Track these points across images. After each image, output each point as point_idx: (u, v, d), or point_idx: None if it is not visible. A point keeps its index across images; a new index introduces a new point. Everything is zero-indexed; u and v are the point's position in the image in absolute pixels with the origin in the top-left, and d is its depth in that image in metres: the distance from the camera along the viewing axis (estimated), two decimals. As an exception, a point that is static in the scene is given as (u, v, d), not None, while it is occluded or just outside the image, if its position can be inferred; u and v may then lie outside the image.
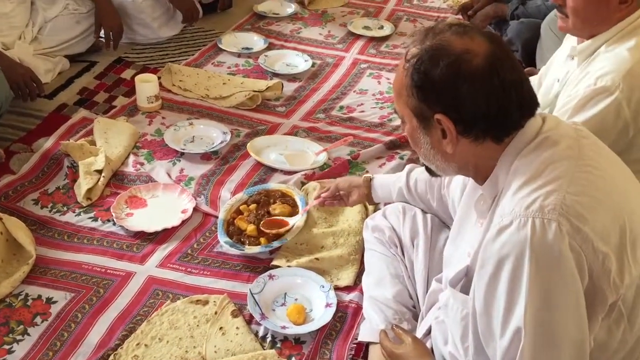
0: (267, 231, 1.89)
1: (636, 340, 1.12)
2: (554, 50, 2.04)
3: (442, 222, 1.71)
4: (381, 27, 3.33)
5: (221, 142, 2.34)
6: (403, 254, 1.68)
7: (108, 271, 1.81)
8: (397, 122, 2.56)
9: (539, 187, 1.05)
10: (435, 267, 1.61)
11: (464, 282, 1.24)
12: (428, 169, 1.28)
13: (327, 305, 1.72)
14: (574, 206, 1.03)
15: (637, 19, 1.65)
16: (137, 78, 2.55)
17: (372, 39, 3.23)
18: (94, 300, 1.72)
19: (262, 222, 1.92)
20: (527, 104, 1.13)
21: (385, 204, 1.83)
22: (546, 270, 1.01)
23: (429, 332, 1.46)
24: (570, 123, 1.24)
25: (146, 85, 2.50)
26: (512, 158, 1.12)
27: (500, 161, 1.13)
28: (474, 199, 1.26)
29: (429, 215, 1.71)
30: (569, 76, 1.77)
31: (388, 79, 2.88)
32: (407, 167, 1.76)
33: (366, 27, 3.32)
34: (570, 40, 1.84)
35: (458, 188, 1.46)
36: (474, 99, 1.08)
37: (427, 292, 1.56)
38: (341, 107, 2.66)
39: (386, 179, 1.81)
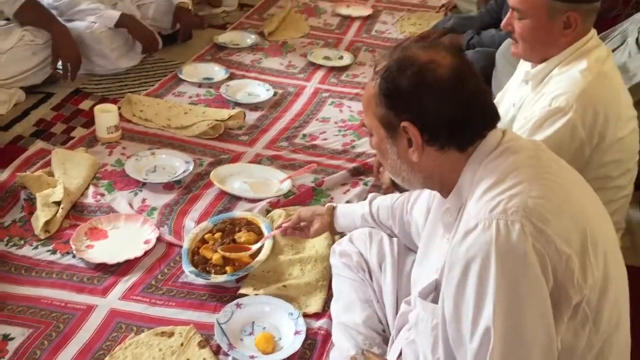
0: (227, 255, 1.86)
1: (602, 343, 1.13)
2: (509, 77, 2.09)
3: (407, 247, 1.72)
4: (341, 57, 3.38)
5: (184, 172, 2.32)
6: (371, 278, 1.68)
7: (68, 305, 1.75)
8: (360, 149, 2.58)
9: (502, 192, 1.08)
10: (403, 290, 1.61)
11: (433, 295, 1.25)
12: (394, 183, 1.30)
13: (296, 332, 1.69)
14: (537, 208, 1.06)
15: (586, 42, 1.70)
16: (96, 108, 2.51)
17: (332, 68, 3.26)
18: (54, 335, 1.65)
19: (222, 247, 1.88)
20: (490, 115, 1.18)
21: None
22: (512, 270, 1.03)
23: (400, 354, 1.45)
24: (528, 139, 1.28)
25: (106, 115, 2.46)
26: (476, 167, 1.16)
27: (464, 171, 1.17)
28: (440, 214, 1.28)
29: (395, 240, 1.71)
30: (523, 100, 1.82)
31: (349, 107, 2.91)
32: (370, 195, 1.77)
33: (326, 58, 3.36)
34: (524, 66, 1.89)
35: (422, 212, 1.48)
36: (438, 107, 1.12)
37: (396, 315, 1.56)
38: (304, 135, 2.67)
39: (349, 208, 1.82)
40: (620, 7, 3.23)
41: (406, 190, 1.35)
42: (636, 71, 2.29)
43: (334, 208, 1.81)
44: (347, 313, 1.63)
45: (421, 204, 1.53)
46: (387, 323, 1.61)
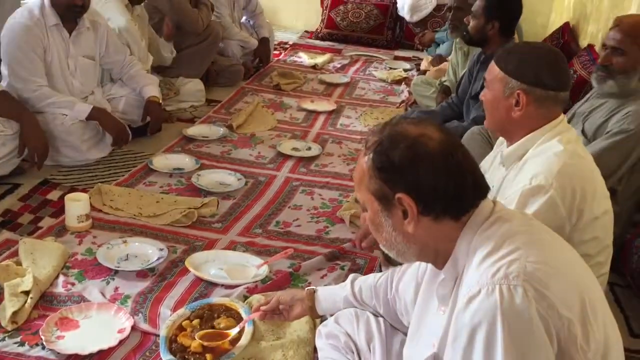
0: (207, 344, 1.79)
1: None
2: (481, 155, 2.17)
3: (393, 327, 1.70)
4: (309, 148, 3.45)
5: (158, 259, 2.26)
6: (360, 359, 1.63)
7: (38, 399, 1.64)
8: (334, 234, 2.59)
9: (501, 258, 1.10)
10: (394, 369, 1.57)
11: None
12: (387, 258, 1.31)
13: (283, 421, 1.62)
14: (535, 273, 1.08)
15: (556, 125, 1.78)
16: (67, 197, 2.46)
17: (301, 159, 3.32)
18: None
19: (200, 335, 1.80)
20: (481, 184, 1.22)
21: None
22: (519, 334, 1.03)
23: None
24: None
25: (77, 204, 2.42)
26: (471, 235, 1.18)
27: (459, 240, 1.19)
28: (434, 287, 1.28)
29: (381, 319, 1.68)
30: (502, 181, 1.87)
31: (320, 195, 2.95)
32: (351, 276, 1.76)
33: (295, 149, 3.43)
34: (500, 148, 1.96)
35: (411, 288, 1.48)
36: (431, 178, 1.15)
37: (388, 397, 1.51)
38: (277, 222, 2.67)
39: (330, 290, 1.79)
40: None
41: (399, 264, 1.36)
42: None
43: (314, 292, 1.77)
44: (337, 396, 1.57)
45: (407, 280, 1.53)
46: (380, 405, 1.55)
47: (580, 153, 1.78)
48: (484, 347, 1.04)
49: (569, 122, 2.54)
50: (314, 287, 1.79)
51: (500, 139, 2.00)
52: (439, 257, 1.23)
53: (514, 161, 1.82)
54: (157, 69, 3.82)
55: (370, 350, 1.63)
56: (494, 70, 1.79)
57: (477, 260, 1.13)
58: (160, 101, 3.34)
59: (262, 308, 1.79)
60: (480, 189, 1.21)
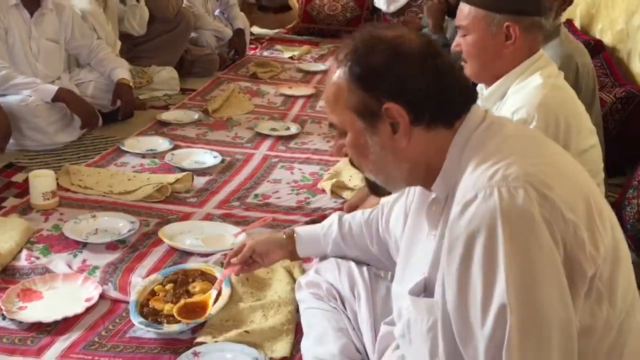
0: (186, 321, 1.65)
1: (620, 323, 1.00)
2: None
3: (378, 275, 1.59)
4: (288, 128, 3.34)
5: (129, 231, 2.13)
6: (344, 306, 1.52)
7: (-5, 369, 1.50)
8: (316, 205, 2.48)
9: (498, 161, 0.98)
10: (379, 314, 1.46)
11: (424, 295, 1.11)
12: (373, 188, 1.17)
13: (264, 377, 1.49)
14: (537, 175, 0.96)
15: (537, 60, 1.71)
16: (31, 174, 2.33)
17: (280, 137, 3.21)
18: (-23, 402, 1.40)
19: (176, 309, 1.65)
20: (468, 87, 1.11)
21: (320, 260, 1.68)
22: (522, 238, 0.91)
23: (386, 377, 1.28)
24: None
25: (41, 180, 2.29)
26: (463, 143, 1.06)
27: (451, 147, 1.07)
28: (424, 212, 1.16)
29: (364, 267, 1.58)
30: None
31: (300, 169, 2.83)
32: (336, 214, 1.65)
33: (273, 129, 3.31)
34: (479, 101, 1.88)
35: (400, 222, 1.35)
36: (420, 79, 1.04)
37: (375, 340, 1.40)
38: (256, 195, 2.55)
39: (312, 232, 1.66)
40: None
41: (387, 193, 1.22)
42: None
43: (293, 233, 1.65)
44: (321, 345, 1.45)
45: (396, 214, 1.41)
46: (366, 351, 1.44)
47: (561, 86, 1.73)
48: (483, 255, 0.92)
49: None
50: (293, 228, 1.67)
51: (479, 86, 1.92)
52: (430, 173, 1.09)
53: (495, 101, 1.75)
54: (128, 58, 3.69)
55: (354, 297, 1.52)
56: (468, 11, 1.69)
57: (472, 166, 1.01)
58: (131, 84, 3.21)
59: (234, 261, 1.63)
60: (470, 91, 1.11)
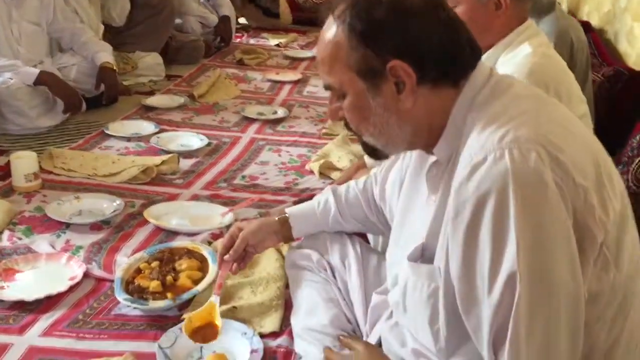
0: (172, 297, 1.61)
1: (625, 289, 0.97)
2: None
3: (368, 246, 1.56)
4: (275, 112, 3.30)
5: (114, 212, 2.09)
6: (335, 277, 1.49)
7: (-25, 347, 1.46)
8: (304, 185, 2.44)
9: (507, 122, 0.93)
10: (370, 284, 1.43)
11: (421, 261, 1.07)
12: (371, 151, 1.13)
13: (253, 351, 1.46)
14: (548, 136, 0.91)
15: (526, 29, 1.70)
16: (12, 156, 2.28)
17: (267, 121, 3.17)
18: (-44, 379, 1.36)
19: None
20: (475, 40, 1.05)
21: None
22: (534, 202, 0.86)
23: (379, 346, 1.25)
24: None
25: (22, 162, 2.24)
26: (469, 101, 1.00)
27: (456, 107, 1.01)
28: (422, 177, 1.12)
29: (355, 238, 1.55)
30: None
31: (288, 151, 2.80)
32: (329, 189, 1.61)
33: (260, 113, 3.28)
34: None
35: (395, 189, 1.30)
36: (425, 34, 0.98)
37: (367, 311, 1.37)
38: (243, 176, 2.52)
39: (307, 211, 1.57)
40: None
41: (385, 157, 1.17)
42: None
43: (287, 218, 1.55)
44: (311, 316, 1.42)
45: (393, 180, 1.34)
46: (357, 322, 1.41)
47: (551, 54, 1.71)
48: (493, 219, 0.87)
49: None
50: (284, 211, 1.58)
51: None
52: (432, 135, 1.04)
53: None
54: (112, 44, 3.62)
55: (345, 267, 1.48)
56: None
57: (479, 127, 0.95)
58: (115, 67, 3.16)
59: (227, 258, 1.50)
60: (476, 47, 1.04)
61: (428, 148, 1.08)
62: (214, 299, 1.45)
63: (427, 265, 1.04)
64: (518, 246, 0.86)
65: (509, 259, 0.86)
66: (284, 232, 1.55)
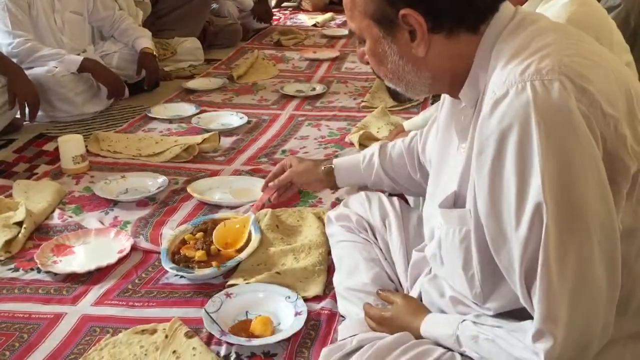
0: (217, 264, 1.65)
1: None
2: None
3: (408, 205, 1.56)
4: (313, 89, 3.31)
5: (158, 188, 2.14)
6: (375, 237, 1.50)
7: (32, 316, 1.52)
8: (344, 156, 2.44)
9: (530, 55, 0.91)
10: (411, 243, 1.43)
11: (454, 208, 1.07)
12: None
13: (297, 314, 1.48)
14: (573, 66, 0.89)
15: None
16: (60, 139, 2.35)
17: (306, 98, 3.18)
18: (17, 346, 1.41)
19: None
20: None
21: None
22: (558, 131, 0.85)
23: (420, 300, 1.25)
24: None
25: (70, 144, 2.31)
26: (492, 43, 0.98)
27: (478, 50, 0.99)
28: (453, 124, 1.12)
29: (394, 198, 1.55)
30: None
31: (328, 125, 2.80)
32: (374, 147, 1.60)
33: (299, 90, 3.29)
34: None
35: (435, 142, 1.29)
36: None
37: (408, 268, 1.37)
38: (284, 151, 2.53)
39: (352, 163, 1.64)
40: None
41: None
42: None
43: (332, 169, 1.64)
44: (353, 276, 1.43)
45: (433, 135, 1.35)
46: (399, 281, 1.41)
47: (590, 2, 1.65)
48: (516, 153, 0.86)
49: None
50: (331, 164, 1.65)
51: None
52: (456, 80, 1.03)
53: None
54: (150, 31, 3.69)
55: (385, 227, 1.49)
56: None
57: (502, 63, 0.93)
58: (155, 53, 3.21)
59: (271, 185, 1.67)
60: None
61: (454, 93, 1.07)
62: (250, 214, 1.76)
63: (458, 210, 1.03)
64: (543, 176, 0.84)
65: (535, 190, 0.85)
66: (328, 183, 1.65)
